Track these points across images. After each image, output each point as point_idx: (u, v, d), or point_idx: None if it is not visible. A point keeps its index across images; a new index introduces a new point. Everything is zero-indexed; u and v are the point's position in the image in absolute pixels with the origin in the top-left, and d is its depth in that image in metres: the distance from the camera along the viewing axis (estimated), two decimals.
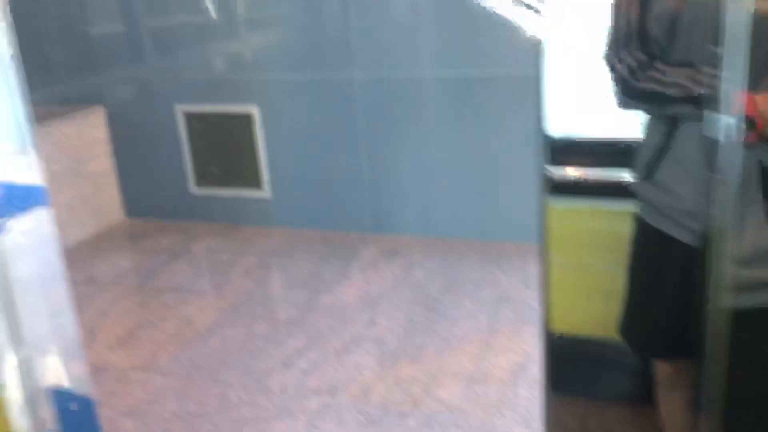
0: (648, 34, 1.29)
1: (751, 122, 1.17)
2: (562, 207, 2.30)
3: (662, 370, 1.69)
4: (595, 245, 2.45)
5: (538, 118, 1.83)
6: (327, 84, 3.95)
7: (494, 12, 3.67)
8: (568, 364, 2.24)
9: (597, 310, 2.39)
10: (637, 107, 1.42)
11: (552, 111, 1.79)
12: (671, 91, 1.25)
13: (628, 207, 1.97)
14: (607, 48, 1.42)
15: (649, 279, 1.56)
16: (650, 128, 1.45)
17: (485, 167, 3.83)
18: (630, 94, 1.35)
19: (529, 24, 3.68)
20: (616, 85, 1.42)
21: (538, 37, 3.55)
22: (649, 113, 1.44)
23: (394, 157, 3.98)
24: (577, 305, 2.36)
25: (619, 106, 1.43)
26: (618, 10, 1.35)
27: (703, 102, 1.21)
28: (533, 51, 3.53)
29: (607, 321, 2.13)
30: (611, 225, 2.24)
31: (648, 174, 1.46)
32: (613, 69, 1.40)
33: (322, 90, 3.98)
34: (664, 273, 1.49)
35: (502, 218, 3.86)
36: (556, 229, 2.16)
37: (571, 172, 2.29)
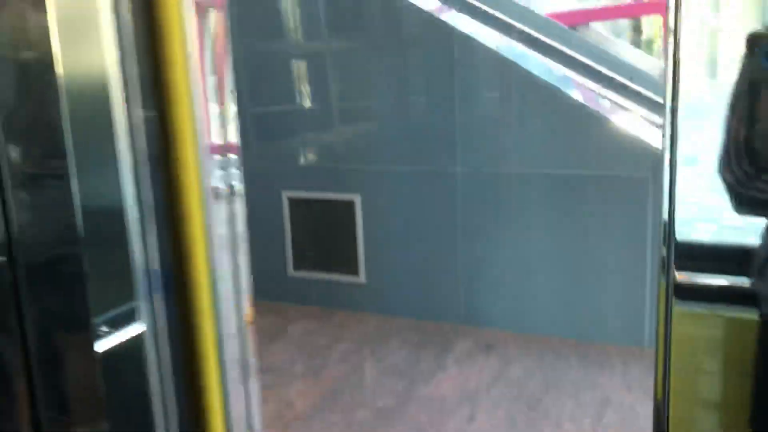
0: (754, 149, 1.48)
1: None
2: (682, 312, 2.28)
3: None
4: (715, 353, 2.40)
5: (660, 221, 1.89)
6: (429, 176, 4.06)
7: (597, 113, 3.75)
8: None
9: (715, 421, 2.32)
10: (749, 213, 1.55)
11: (677, 214, 1.85)
12: None
13: (750, 315, 1.97)
14: (720, 161, 1.54)
15: None
16: (764, 234, 1.55)
17: (583, 266, 3.81)
18: (740, 202, 1.52)
19: (634, 126, 3.74)
20: (729, 194, 1.54)
21: (645, 139, 3.59)
22: (762, 217, 1.54)
23: (491, 251, 4.02)
24: (694, 415, 2.30)
25: (736, 211, 1.54)
26: (728, 128, 1.51)
27: None
28: (636, 152, 3.57)
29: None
30: (732, 332, 2.21)
31: (761, 274, 1.53)
32: (724, 180, 1.53)
33: (424, 181, 4.09)
34: None
35: (600, 319, 3.81)
36: (675, 335, 2.14)
37: (692, 277, 2.29)
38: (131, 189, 1.43)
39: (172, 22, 1.35)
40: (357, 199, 4.22)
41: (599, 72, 4.11)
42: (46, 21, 1.10)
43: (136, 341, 1.39)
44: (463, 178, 3.98)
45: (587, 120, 3.75)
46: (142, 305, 1.46)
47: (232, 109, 1.76)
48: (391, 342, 3.94)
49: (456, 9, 4.17)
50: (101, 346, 1.28)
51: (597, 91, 4.00)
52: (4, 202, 1.05)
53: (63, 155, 1.14)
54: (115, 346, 1.33)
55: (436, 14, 4.06)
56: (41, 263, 1.15)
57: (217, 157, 1.73)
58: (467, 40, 3.92)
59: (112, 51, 1.33)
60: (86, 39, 1.38)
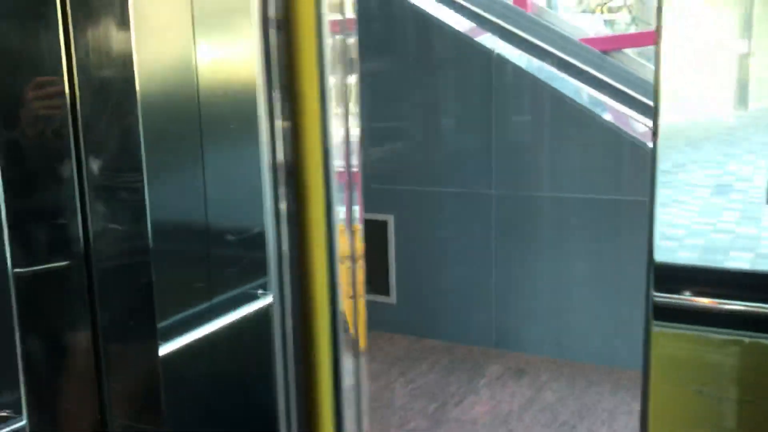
0: None
1: None
2: (668, 333, 2.29)
3: None
4: (702, 374, 2.38)
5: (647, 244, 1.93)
6: (464, 197, 4.07)
7: (633, 137, 3.74)
8: None
9: None
10: None
11: (661, 238, 1.88)
12: None
13: (737, 336, 1.98)
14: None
15: None
16: None
17: (618, 292, 3.78)
18: None
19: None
20: None
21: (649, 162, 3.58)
22: None
23: (524, 275, 4.00)
24: None
25: None
26: None
27: None
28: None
29: None
30: (718, 354, 2.19)
31: None
32: None
33: (458, 203, 4.10)
34: None
35: (634, 346, 3.76)
36: (660, 356, 2.15)
37: (678, 299, 2.30)
38: (269, 189, 1.61)
39: (308, 37, 1.45)
40: (390, 219, 4.24)
41: (632, 97, 4.10)
42: (129, 37, 1.14)
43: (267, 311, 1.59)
44: (497, 201, 3.98)
45: (622, 145, 3.73)
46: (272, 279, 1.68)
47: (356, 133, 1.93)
48: (421, 364, 3.92)
49: (491, 32, 4.20)
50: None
51: (631, 116, 3.99)
52: (84, 211, 1.09)
53: (139, 168, 1.18)
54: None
55: (473, 36, 4.10)
56: (112, 268, 1.19)
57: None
58: (504, 63, 3.94)
59: (258, 61, 1.45)
60: (231, 51, 1.55)
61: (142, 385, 1.27)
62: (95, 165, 1.07)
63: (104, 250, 1.10)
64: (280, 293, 1.64)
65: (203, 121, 1.49)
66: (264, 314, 1.66)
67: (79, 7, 1.02)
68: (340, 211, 1.76)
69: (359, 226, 1.85)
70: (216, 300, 1.63)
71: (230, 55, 1.60)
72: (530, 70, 3.97)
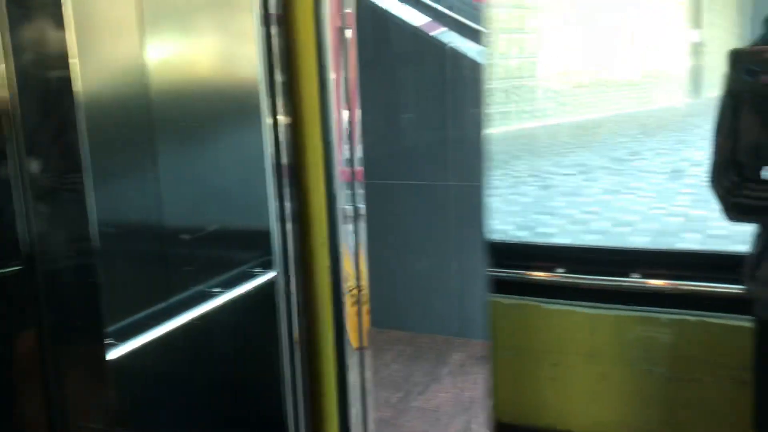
0: (739, 161, 1.59)
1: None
2: (506, 303, 2.46)
3: None
4: (537, 339, 2.52)
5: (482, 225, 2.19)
6: (422, 189, 4.12)
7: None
8: None
9: (544, 399, 2.45)
10: (736, 219, 1.65)
11: (493, 218, 2.08)
12: (757, 203, 1.58)
13: (563, 306, 2.15)
14: (709, 175, 1.66)
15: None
16: (755, 237, 1.65)
17: None
18: (729, 210, 1.64)
19: None
20: (719, 203, 1.65)
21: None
22: (748, 222, 1.66)
23: (482, 263, 4.06)
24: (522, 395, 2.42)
25: (726, 219, 1.66)
26: (715, 143, 1.64)
27: None
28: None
29: (556, 410, 2.23)
30: (551, 321, 2.33)
31: (752, 276, 1.63)
32: (715, 191, 1.65)
33: (417, 195, 4.15)
34: None
35: None
36: (500, 324, 2.31)
37: (512, 273, 2.48)
38: (273, 181, 1.80)
39: (308, 38, 1.55)
40: None
41: None
42: (64, 40, 1.15)
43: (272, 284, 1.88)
44: (455, 192, 4.04)
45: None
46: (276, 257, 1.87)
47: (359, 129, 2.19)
48: (386, 354, 3.97)
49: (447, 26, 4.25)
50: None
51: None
52: (27, 213, 1.09)
53: (79, 169, 1.19)
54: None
55: (427, 31, 4.14)
56: (57, 270, 1.20)
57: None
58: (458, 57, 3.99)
59: (261, 63, 1.57)
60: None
61: (90, 385, 1.28)
62: (35, 166, 1.08)
63: (48, 252, 1.10)
64: (286, 289, 1.80)
65: (155, 120, 1.50)
66: (259, 303, 1.75)
67: (15, 8, 1.02)
68: (342, 207, 1.90)
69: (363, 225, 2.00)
70: (173, 299, 1.64)
71: (182, 54, 1.61)
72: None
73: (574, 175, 10.08)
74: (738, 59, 1.54)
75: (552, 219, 8.53)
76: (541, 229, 7.99)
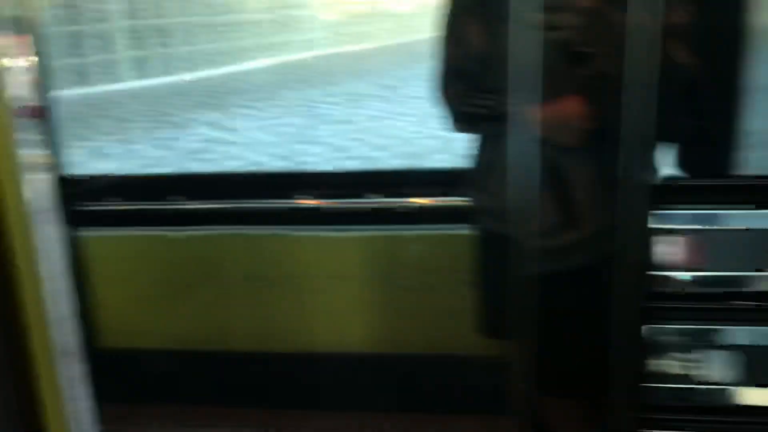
0: (464, 69, 1.57)
1: None
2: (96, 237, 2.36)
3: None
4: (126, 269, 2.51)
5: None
6: None
7: None
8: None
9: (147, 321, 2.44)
10: (463, 129, 1.62)
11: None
12: (483, 112, 1.54)
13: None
14: (437, 84, 1.61)
15: (489, 272, 1.64)
16: (479, 147, 1.64)
17: None
18: (454, 118, 1.61)
19: None
20: (447, 112, 1.60)
21: None
22: (474, 132, 1.62)
23: None
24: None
25: (453, 129, 1.62)
26: (445, 53, 1.59)
27: (506, 119, 1.48)
28: None
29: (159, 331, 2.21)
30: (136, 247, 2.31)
31: (481, 186, 1.62)
32: (443, 101, 1.60)
33: None
34: (500, 264, 1.61)
35: None
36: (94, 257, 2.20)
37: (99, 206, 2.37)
38: None
39: None
40: None
41: None
42: None
43: None
44: None
45: None
46: None
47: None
48: None
49: None
50: None
51: None
52: None
53: None
54: None
55: None
56: None
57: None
58: None
59: None
60: None
61: None
62: None
63: None
64: None
65: None
66: None
67: None
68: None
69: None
70: None
71: None
72: None
73: (341, 103, 10.09)
74: None
75: (313, 147, 8.49)
76: (300, 158, 7.88)
